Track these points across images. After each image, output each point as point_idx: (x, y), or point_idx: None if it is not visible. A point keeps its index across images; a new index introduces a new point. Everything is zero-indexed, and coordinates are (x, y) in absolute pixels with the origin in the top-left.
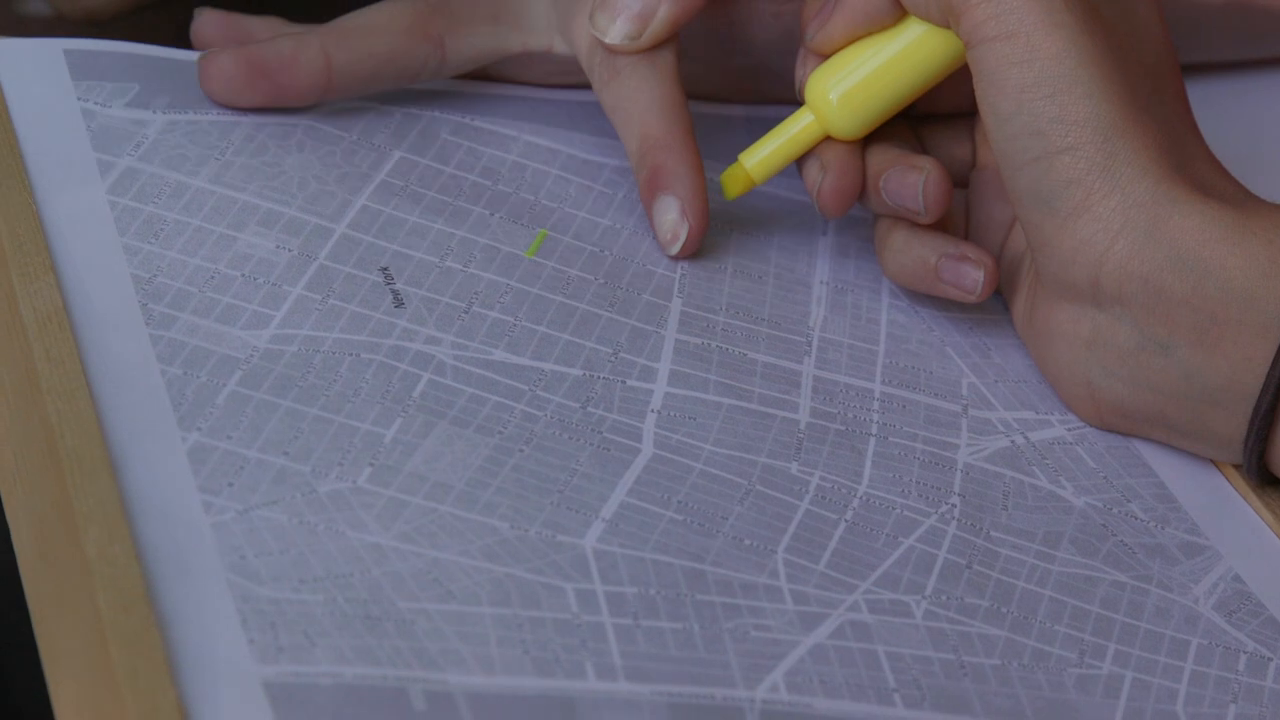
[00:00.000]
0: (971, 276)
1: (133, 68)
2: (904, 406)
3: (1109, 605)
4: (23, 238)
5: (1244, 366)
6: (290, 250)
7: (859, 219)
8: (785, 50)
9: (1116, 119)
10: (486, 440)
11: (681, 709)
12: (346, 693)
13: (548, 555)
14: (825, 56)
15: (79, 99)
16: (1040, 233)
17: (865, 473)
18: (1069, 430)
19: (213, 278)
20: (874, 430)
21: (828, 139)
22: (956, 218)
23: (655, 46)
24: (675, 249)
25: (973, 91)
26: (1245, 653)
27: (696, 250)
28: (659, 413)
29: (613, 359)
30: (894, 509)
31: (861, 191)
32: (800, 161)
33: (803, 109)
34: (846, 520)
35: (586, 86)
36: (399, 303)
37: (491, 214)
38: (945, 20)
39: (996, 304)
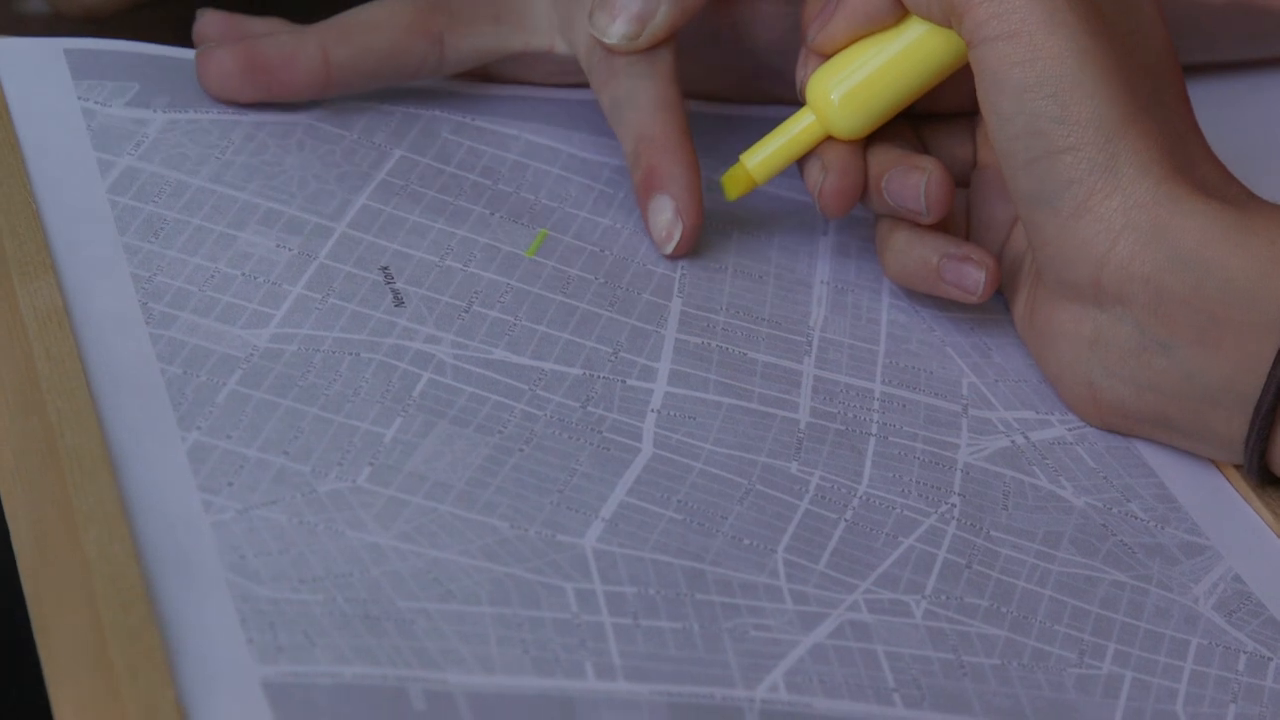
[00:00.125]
0: (973, 277)
1: (133, 67)
2: (904, 406)
3: (1109, 605)
4: (23, 236)
5: (1245, 366)
6: (290, 249)
7: (859, 219)
8: (786, 50)
9: (1118, 119)
10: (486, 440)
11: (681, 709)
12: (346, 692)
13: (547, 555)
14: (826, 57)
15: (79, 98)
16: (1041, 233)
17: (865, 472)
18: (1069, 430)
19: (213, 277)
20: (874, 430)
21: (829, 139)
22: (957, 218)
23: (654, 47)
24: (670, 248)
25: (973, 91)
26: (1245, 653)
27: (691, 250)
28: (659, 412)
29: (613, 358)
30: (894, 509)
31: (863, 192)
32: (801, 162)
33: (804, 109)
34: (846, 520)
35: (587, 86)
36: (399, 302)
37: (492, 213)
38: (947, 20)
39: (997, 304)
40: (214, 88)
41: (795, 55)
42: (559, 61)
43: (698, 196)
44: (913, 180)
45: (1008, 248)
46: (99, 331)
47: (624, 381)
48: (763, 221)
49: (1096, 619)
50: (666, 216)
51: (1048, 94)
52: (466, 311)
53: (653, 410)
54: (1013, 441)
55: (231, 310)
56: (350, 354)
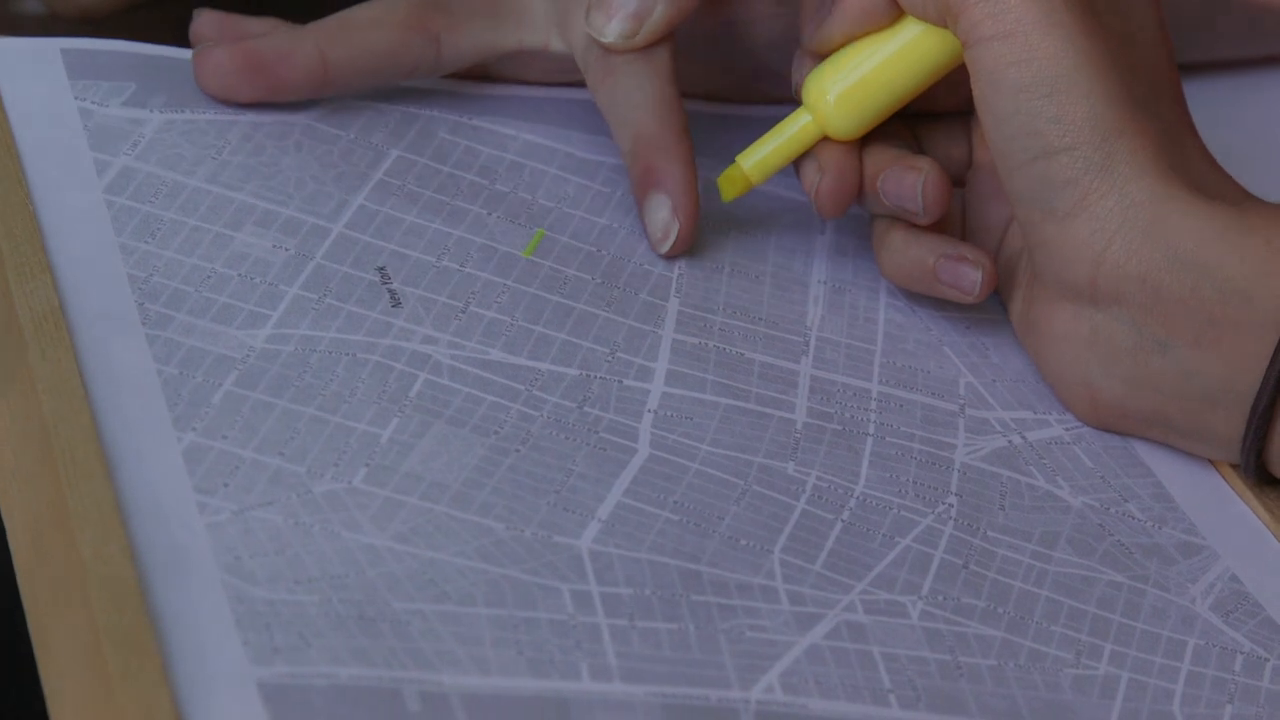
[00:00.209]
0: (970, 277)
1: (129, 66)
2: (901, 406)
3: (1105, 605)
4: (19, 237)
5: (1242, 366)
6: (287, 250)
7: (857, 219)
8: (783, 50)
9: (1114, 119)
10: (483, 440)
11: (676, 710)
12: (341, 694)
13: (543, 556)
14: (822, 57)
15: (76, 98)
16: (1038, 233)
17: (862, 473)
18: (1067, 430)
19: (209, 277)
20: (871, 430)
21: (825, 139)
22: (954, 218)
23: (651, 45)
24: (666, 247)
25: (968, 90)
26: (1242, 653)
27: (688, 249)
28: (655, 413)
29: (609, 359)
30: (890, 509)
31: (859, 192)
32: (798, 162)
33: (800, 109)
34: (843, 520)
35: (584, 85)
36: (396, 302)
37: (489, 213)
38: (943, 20)
39: (995, 303)
40: (211, 87)
41: (791, 56)
42: (555, 60)
43: (694, 195)
44: (909, 180)
45: (1004, 248)
46: (95, 332)
47: (621, 382)
48: (760, 221)
49: (1093, 619)
50: (663, 215)
51: (1043, 94)
52: (463, 312)
53: (649, 411)
54: (1010, 441)
55: (228, 311)
56: (347, 354)
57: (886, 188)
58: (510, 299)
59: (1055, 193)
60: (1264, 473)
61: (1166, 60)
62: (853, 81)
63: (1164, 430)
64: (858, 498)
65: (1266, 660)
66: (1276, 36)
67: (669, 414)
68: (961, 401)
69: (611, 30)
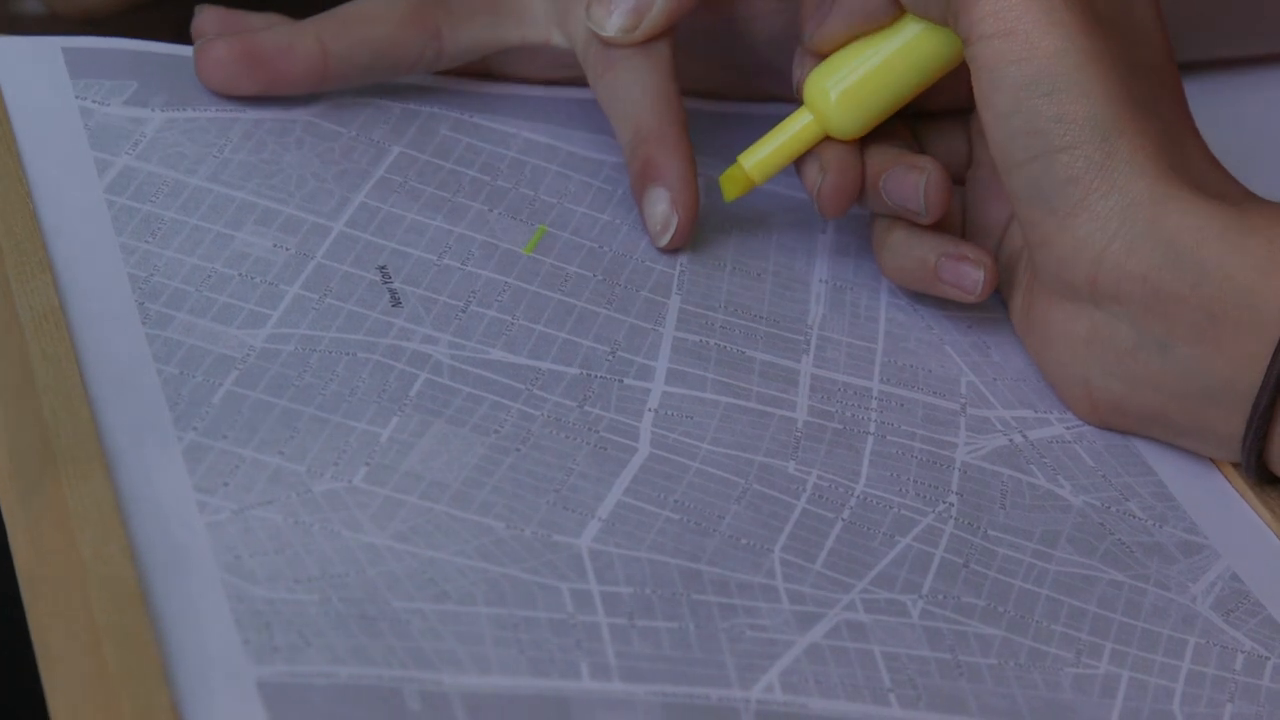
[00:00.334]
0: (971, 276)
1: (131, 65)
2: (902, 405)
3: (1106, 604)
4: (19, 236)
5: (1242, 364)
6: (287, 249)
7: (858, 217)
8: (784, 47)
9: (1115, 118)
10: (483, 439)
11: (676, 709)
12: (341, 693)
13: (543, 555)
14: (823, 56)
15: (77, 97)
16: (1038, 231)
17: (863, 472)
18: (1068, 429)
19: (209, 276)
20: (872, 429)
21: (827, 139)
22: (953, 216)
23: (651, 40)
24: (665, 240)
25: (968, 89)
26: (1243, 652)
27: (687, 242)
28: (656, 411)
29: (610, 357)
30: (891, 508)
31: (861, 191)
32: (799, 162)
33: (801, 109)
34: (843, 519)
35: (584, 81)
36: (396, 301)
37: (490, 210)
38: (944, 18)
39: (996, 302)
40: (212, 80)
41: (792, 53)
42: (556, 55)
43: (693, 189)
44: (911, 180)
45: (1004, 246)
46: (95, 331)
47: (621, 381)
48: (761, 219)
49: (1094, 618)
50: (662, 208)
51: (1044, 92)
52: (464, 311)
53: (650, 410)
54: (1011, 440)
55: (228, 310)
56: (347, 354)
57: (889, 187)
58: (511, 297)
59: (1055, 191)
60: (1265, 472)
61: (1167, 59)
62: (854, 80)
63: (1164, 429)
64: (858, 497)
65: (1267, 659)
66: (1276, 36)
67: (669, 413)
68: (963, 400)
69: (612, 24)
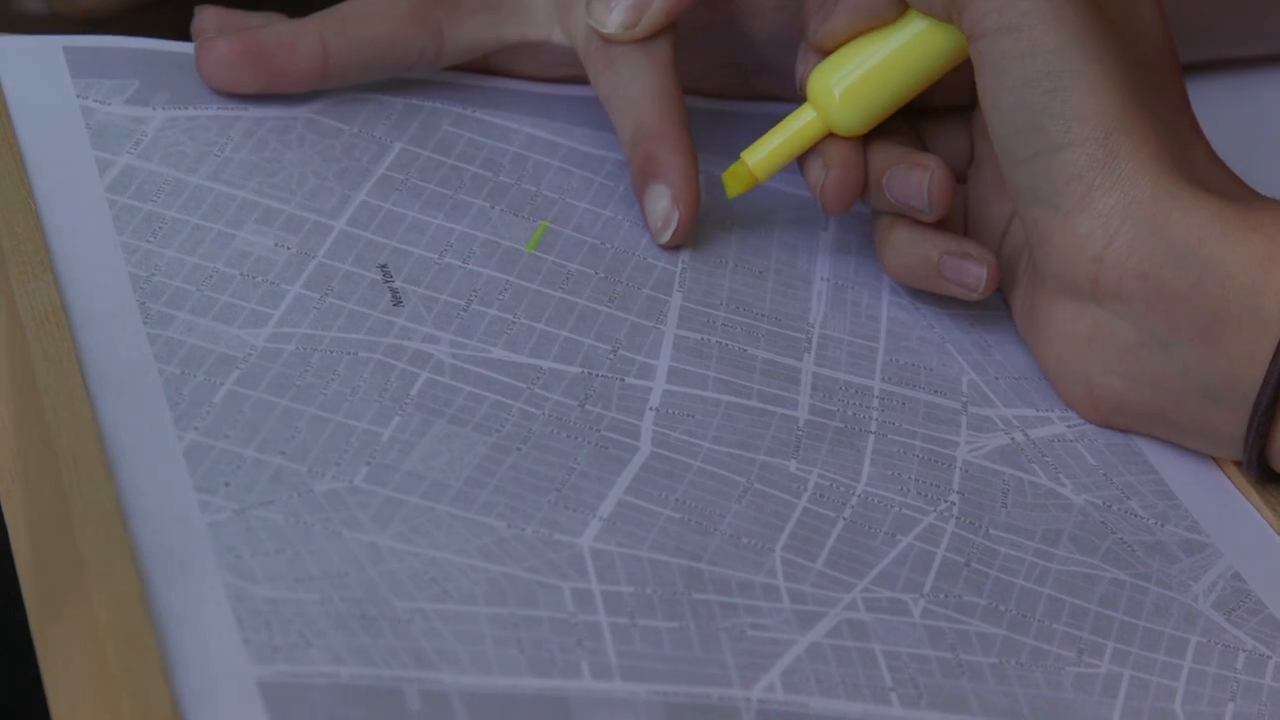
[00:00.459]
0: (974, 274)
1: (132, 64)
2: (903, 404)
3: (1108, 603)
4: (21, 236)
5: (1244, 363)
6: (288, 248)
7: (860, 216)
8: (785, 45)
9: (1118, 114)
10: (484, 439)
11: (677, 708)
12: (341, 693)
13: (544, 554)
14: (826, 52)
15: (78, 96)
16: (1039, 229)
17: (864, 470)
18: (1069, 427)
19: (210, 276)
20: (873, 428)
21: (830, 136)
22: (955, 213)
23: (651, 36)
24: (666, 237)
25: (970, 85)
26: (1244, 651)
27: (688, 239)
28: (657, 410)
29: (611, 356)
30: (892, 507)
31: (864, 188)
32: (802, 159)
33: (804, 105)
34: (845, 518)
35: (586, 79)
36: (397, 301)
37: (492, 206)
38: (948, 14)
39: (998, 300)
40: (214, 78)
41: (793, 50)
42: (557, 52)
43: (694, 185)
44: (915, 178)
45: (1006, 244)
46: (96, 331)
47: (622, 380)
48: (763, 217)
49: (1095, 617)
50: (663, 205)
51: (1048, 89)
52: (465, 310)
53: (651, 408)
54: (1012, 439)
55: (229, 310)
56: (348, 353)
57: (892, 185)
58: (512, 296)
59: (1058, 189)
60: (1266, 470)
61: (1169, 56)
62: (858, 77)
63: (1165, 427)
64: (859, 496)
65: (1269, 658)
66: (1277, 36)
67: (671, 412)
68: (964, 399)
69: (612, 21)
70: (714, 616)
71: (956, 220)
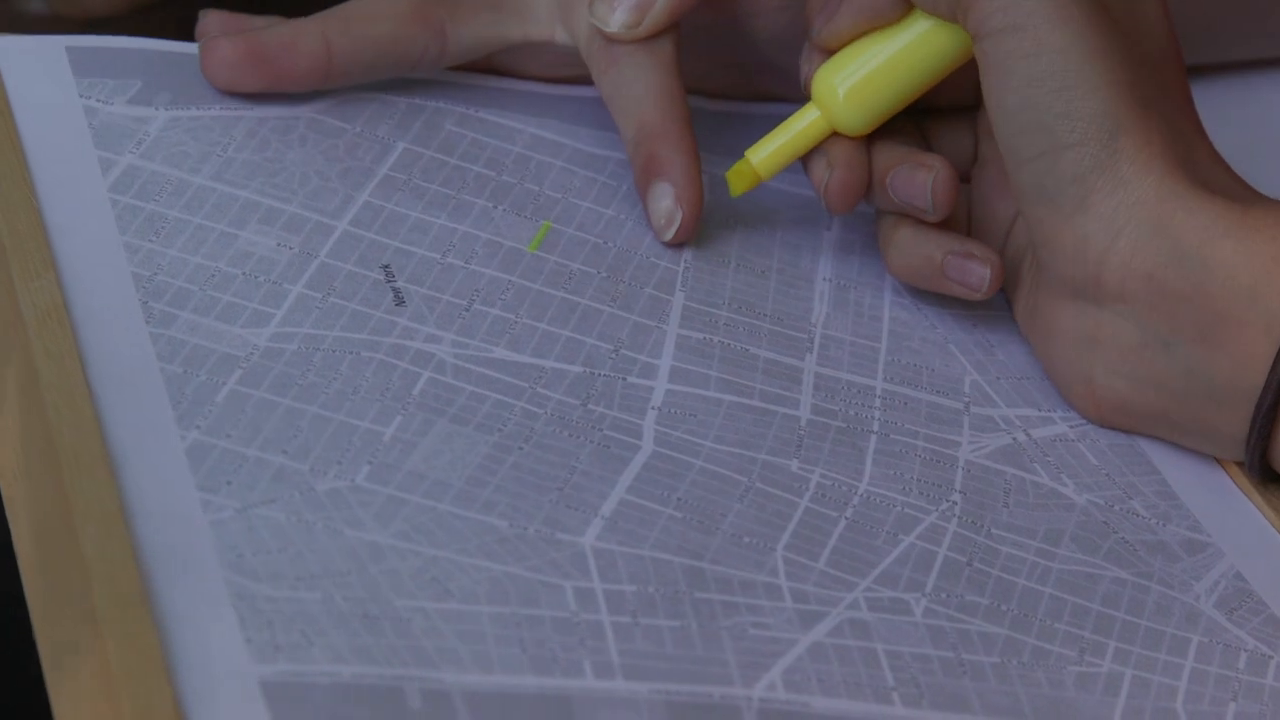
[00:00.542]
0: (978, 274)
1: (135, 63)
2: (906, 404)
3: (1110, 603)
4: (23, 235)
5: (1247, 364)
6: (291, 248)
7: (863, 216)
8: (788, 45)
9: (1123, 115)
10: (486, 438)
11: (679, 707)
12: (343, 691)
13: (546, 553)
14: (830, 52)
15: (81, 96)
16: (1043, 229)
17: (866, 470)
18: (1071, 427)
19: (213, 276)
20: (875, 427)
21: (834, 135)
22: (958, 213)
23: (654, 36)
24: (669, 235)
25: (974, 85)
26: (1246, 650)
27: (692, 237)
28: (659, 410)
29: (614, 356)
30: (894, 506)
31: (868, 188)
32: (806, 158)
33: (809, 105)
34: (846, 518)
35: (588, 79)
36: (400, 301)
37: (495, 206)
38: (953, 13)
39: (1000, 300)
40: (217, 78)
41: (796, 51)
42: (559, 52)
43: (698, 184)
44: (919, 178)
45: (1009, 244)
46: (99, 330)
47: (624, 379)
48: (766, 216)
49: (1097, 616)
50: (666, 203)
51: (1053, 89)
52: (467, 310)
53: (653, 408)
54: (1014, 439)
55: (232, 309)
56: (350, 353)
57: (896, 185)
58: (515, 296)
59: (1062, 189)
60: (1268, 471)
61: (1173, 55)
62: (862, 76)
63: (1167, 428)
64: (861, 495)
65: (1270, 658)
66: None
67: (673, 411)
68: (966, 399)
69: (615, 20)
70: (716, 615)
71: (960, 220)
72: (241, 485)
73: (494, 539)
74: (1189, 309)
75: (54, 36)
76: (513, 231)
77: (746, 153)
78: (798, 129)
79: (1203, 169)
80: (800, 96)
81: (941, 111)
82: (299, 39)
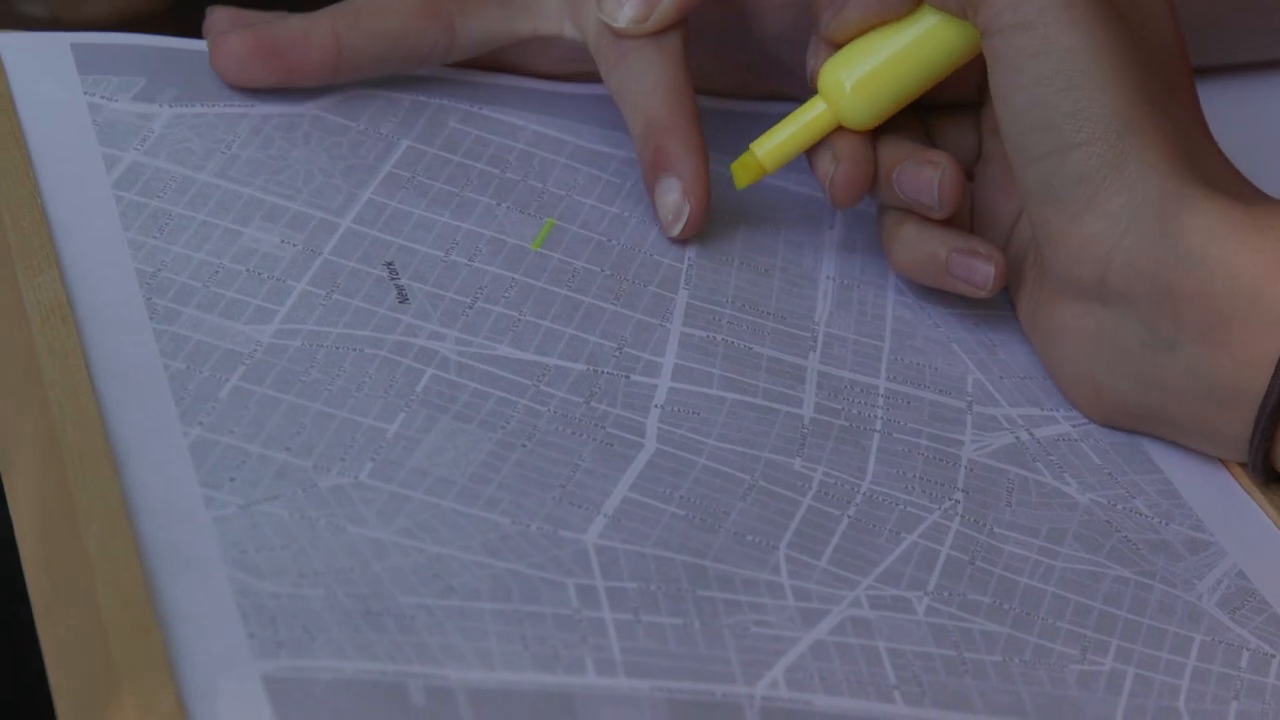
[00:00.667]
0: (982, 271)
1: (140, 60)
2: (909, 402)
3: (1112, 601)
4: (27, 231)
5: (1250, 365)
6: (295, 245)
7: (866, 214)
8: (795, 43)
9: (1129, 115)
10: (489, 435)
11: (681, 705)
12: (346, 688)
13: (549, 551)
14: (838, 45)
15: (85, 93)
16: (1048, 228)
17: (869, 469)
18: (1074, 427)
19: (217, 272)
20: (878, 426)
21: (840, 129)
22: (962, 210)
23: (662, 31)
24: (677, 230)
25: (978, 81)
26: (1248, 649)
27: (699, 232)
28: (663, 408)
29: (617, 353)
30: (897, 505)
31: (873, 182)
32: (811, 152)
33: (815, 98)
34: (849, 516)
35: (596, 76)
36: (403, 298)
37: (499, 203)
38: (962, 9)
39: (1003, 300)
40: (227, 73)
41: (803, 48)
42: (568, 47)
43: (705, 178)
44: (925, 175)
45: (1011, 242)
46: (102, 326)
47: (628, 377)
48: (770, 215)
49: (1100, 615)
50: (673, 198)
51: (1061, 87)
52: (471, 308)
53: (656, 406)
54: (1017, 438)
55: (235, 306)
56: (354, 350)
57: (902, 181)
58: (518, 293)
59: (1068, 189)
60: (1271, 472)
61: (1180, 55)
62: (869, 70)
63: (1169, 428)
64: (864, 494)
65: (1273, 657)
66: None
67: (676, 409)
68: (969, 398)
69: (623, 16)
70: (718, 613)
71: (963, 217)
72: (245, 482)
73: (497, 536)
74: (1192, 309)
75: (59, 33)
76: (516, 229)
77: (751, 145)
78: (804, 121)
79: (1207, 169)
80: (806, 95)
81: (945, 107)
82: (309, 33)
